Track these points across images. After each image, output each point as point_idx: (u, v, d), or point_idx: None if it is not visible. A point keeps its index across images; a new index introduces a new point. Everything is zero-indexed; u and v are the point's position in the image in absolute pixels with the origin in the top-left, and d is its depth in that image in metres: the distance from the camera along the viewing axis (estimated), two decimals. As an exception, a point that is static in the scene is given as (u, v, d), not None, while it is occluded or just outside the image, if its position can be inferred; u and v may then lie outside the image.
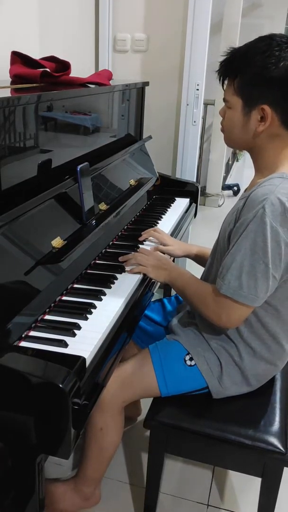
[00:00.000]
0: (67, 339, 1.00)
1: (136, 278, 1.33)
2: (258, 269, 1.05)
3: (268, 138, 1.12)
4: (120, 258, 1.39)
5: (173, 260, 1.56)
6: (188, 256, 1.56)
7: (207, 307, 1.17)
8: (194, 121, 2.30)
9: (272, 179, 1.08)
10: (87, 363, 0.95)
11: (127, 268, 1.36)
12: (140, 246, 1.53)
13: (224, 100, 1.16)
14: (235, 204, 1.22)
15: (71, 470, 1.57)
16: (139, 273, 1.34)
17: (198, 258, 1.53)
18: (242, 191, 4.73)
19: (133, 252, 1.40)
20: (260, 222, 1.02)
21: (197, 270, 1.43)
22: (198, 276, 1.37)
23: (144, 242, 1.57)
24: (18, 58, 1.52)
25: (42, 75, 1.48)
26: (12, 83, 1.47)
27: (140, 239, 1.57)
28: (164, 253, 1.51)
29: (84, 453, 1.33)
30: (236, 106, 1.12)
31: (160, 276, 1.33)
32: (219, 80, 1.15)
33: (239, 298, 1.08)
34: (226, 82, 1.14)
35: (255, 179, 1.17)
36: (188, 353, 1.25)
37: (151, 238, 1.58)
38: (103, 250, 1.48)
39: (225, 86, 1.15)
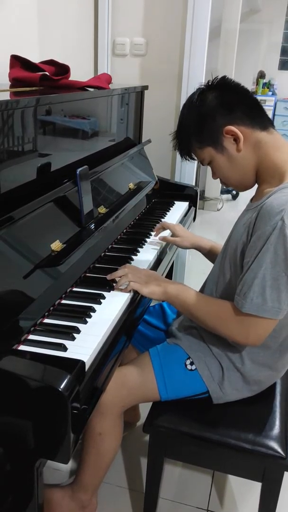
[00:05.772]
0: (66, 342, 0.99)
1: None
2: (280, 281, 1.03)
3: (254, 150, 1.14)
4: (108, 276, 1.28)
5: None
6: (197, 249, 1.56)
7: (229, 328, 1.12)
8: (193, 125, 2.31)
9: (285, 188, 1.06)
10: (86, 366, 0.95)
11: (116, 286, 1.25)
12: (139, 249, 1.53)
13: (203, 163, 1.22)
14: (242, 213, 1.22)
15: (69, 476, 1.56)
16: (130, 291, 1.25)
17: (210, 254, 1.53)
18: (241, 197, 4.76)
19: (121, 269, 1.29)
20: (279, 234, 1.00)
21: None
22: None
23: (148, 240, 1.60)
24: (17, 61, 1.53)
25: (41, 79, 1.48)
26: (11, 86, 1.47)
27: (154, 235, 1.60)
28: (170, 243, 1.57)
29: (82, 459, 1.31)
30: (212, 154, 1.17)
31: (154, 293, 1.24)
32: (189, 158, 1.25)
33: (264, 313, 1.05)
34: (193, 154, 1.23)
35: (261, 189, 1.16)
36: (189, 357, 1.25)
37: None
38: (102, 254, 1.47)
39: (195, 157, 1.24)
